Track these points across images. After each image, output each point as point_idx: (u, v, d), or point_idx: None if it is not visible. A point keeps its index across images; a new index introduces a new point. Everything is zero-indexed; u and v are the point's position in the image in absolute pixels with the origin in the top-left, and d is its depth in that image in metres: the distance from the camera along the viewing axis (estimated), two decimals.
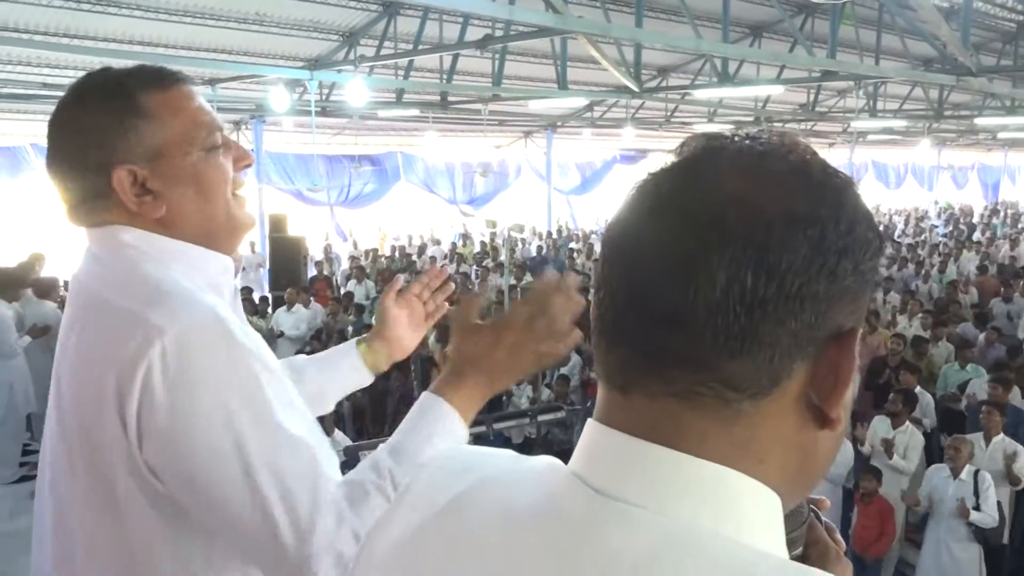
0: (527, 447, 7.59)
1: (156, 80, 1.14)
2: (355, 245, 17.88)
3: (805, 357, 0.54)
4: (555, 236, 19.61)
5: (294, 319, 9.43)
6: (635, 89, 9.64)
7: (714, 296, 0.52)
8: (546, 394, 7.30)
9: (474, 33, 9.91)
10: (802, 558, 0.74)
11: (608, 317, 0.57)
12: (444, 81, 11.63)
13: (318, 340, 8.93)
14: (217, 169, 1.15)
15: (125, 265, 1.11)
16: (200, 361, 1.00)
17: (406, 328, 1.55)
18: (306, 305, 9.67)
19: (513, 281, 10.47)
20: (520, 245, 18.27)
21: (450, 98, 12.98)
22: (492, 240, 16.99)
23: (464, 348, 1.17)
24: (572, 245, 18.38)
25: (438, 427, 1.13)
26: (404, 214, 20.49)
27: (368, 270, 14.03)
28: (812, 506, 0.77)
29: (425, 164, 20.22)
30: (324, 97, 13.35)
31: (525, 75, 13.03)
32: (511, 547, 0.56)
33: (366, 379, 1.52)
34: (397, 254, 16.10)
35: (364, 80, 9.54)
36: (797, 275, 0.52)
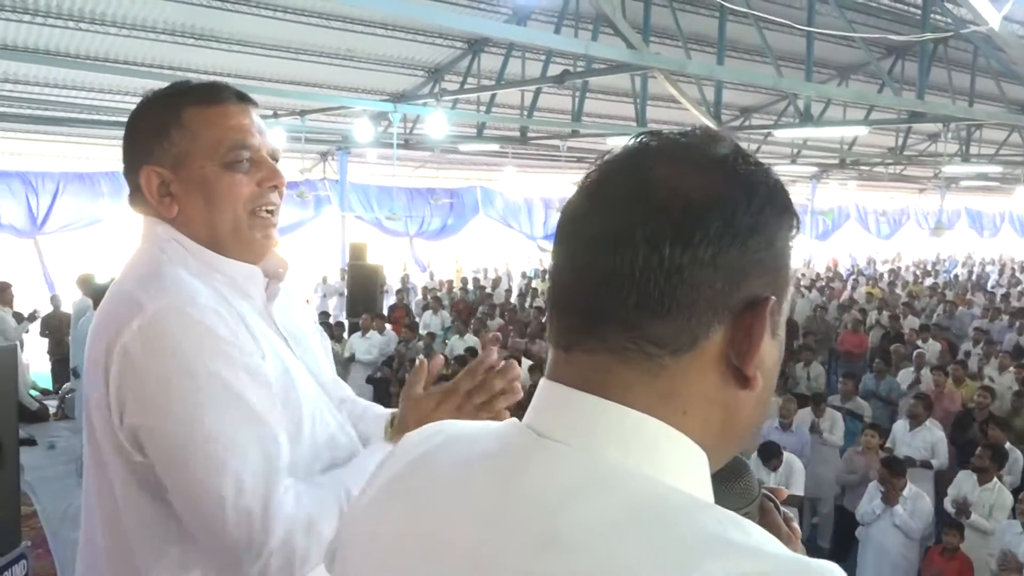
0: None
1: (205, 95, 1.25)
2: (431, 276, 18.14)
3: (723, 321, 0.62)
4: None
5: (367, 344, 9.62)
6: (714, 128, 9.55)
7: (638, 264, 0.60)
8: None
9: (555, 70, 10.04)
10: None
11: (556, 288, 0.66)
12: (524, 116, 11.78)
13: (389, 366, 9.08)
14: (229, 184, 1.23)
15: (148, 256, 1.23)
16: (172, 335, 1.10)
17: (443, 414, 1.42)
18: (380, 331, 9.85)
19: None
20: None
21: (529, 133, 13.13)
22: None
23: (410, 414, 1.30)
24: None
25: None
26: (481, 248, 20.72)
27: (444, 301, 14.20)
28: (769, 493, 0.83)
29: (504, 199, 20.45)
30: (408, 131, 13.68)
31: (604, 112, 13.10)
32: (464, 483, 0.65)
33: None
34: (471, 286, 16.23)
35: (446, 113, 9.76)
36: (709, 247, 0.61)
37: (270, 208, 1.27)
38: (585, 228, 0.64)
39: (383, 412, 1.47)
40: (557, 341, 0.66)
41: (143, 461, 1.13)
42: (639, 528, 0.55)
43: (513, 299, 14.87)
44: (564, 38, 6.13)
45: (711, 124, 9.37)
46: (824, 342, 12.12)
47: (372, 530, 0.70)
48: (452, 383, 1.30)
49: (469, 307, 13.67)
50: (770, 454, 6.05)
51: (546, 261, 19.36)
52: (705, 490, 0.63)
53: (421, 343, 9.84)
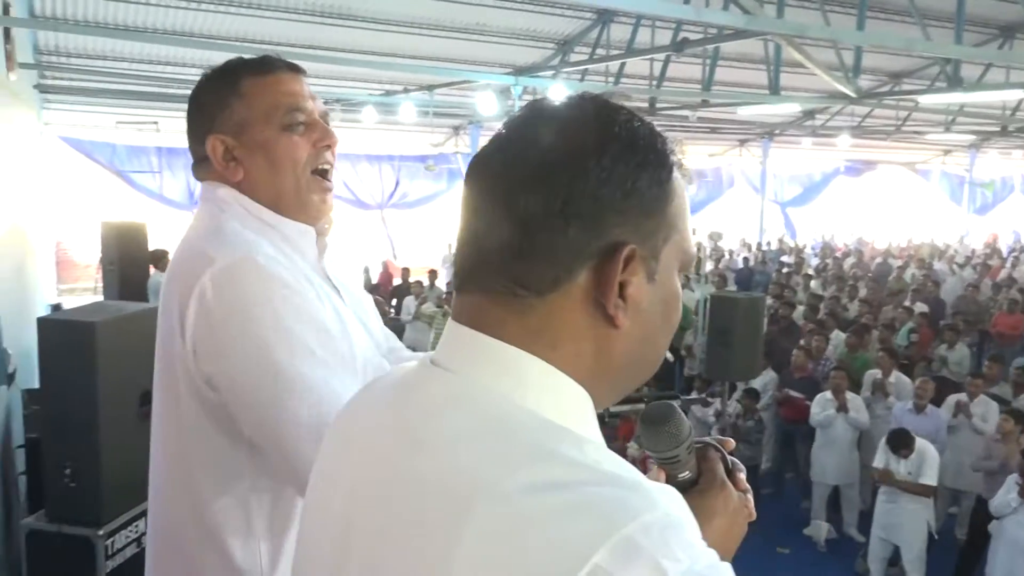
0: None
1: (259, 67, 1.36)
2: None
3: (585, 265, 0.69)
4: (765, 249, 18.83)
5: None
6: (851, 95, 9.03)
7: (507, 213, 0.69)
8: (733, 407, 7.06)
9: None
10: (693, 482, 0.86)
11: (456, 242, 0.75)
12: (652, 86, 11.56)
13: None
14: (288, 145, 1.33)
15: (208, 214, 1.34)
16: (240, 285, 1.21)
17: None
18: None
19: (713, 290, 10.20)
20: (728, 256, 17.73)
21: (658, 104, 12.86)
22: (699, 250, 16.61)
23: None
24: (784, 259, 17.56)
25: None
26: None
27: None
28: (715, 443, 0.89)
29: None
30: None
31: (736, 81, 12.64)
32: (378, 404, 0.79)
33: None
34: None
35: (572, 86, 9.71)
36: (558, 198, 0.68)
37: (325, 167, 1.37)
38: (470, 185, 0.74)
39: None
40: (457, 287, 0.76)
41: (216, 399, 1.24)
42: (485, 438, 0.66)
43: None
44: (671, 4, 5.96)
45: (847, 90, 8.87)
46: (974, 323, 11.32)
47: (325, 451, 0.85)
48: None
49: None
50: (901, 442, 5.75)
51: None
52: (575, 415, 0.70)
53: None
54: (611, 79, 12.04)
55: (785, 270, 15.23)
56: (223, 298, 1.21)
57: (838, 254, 19.11)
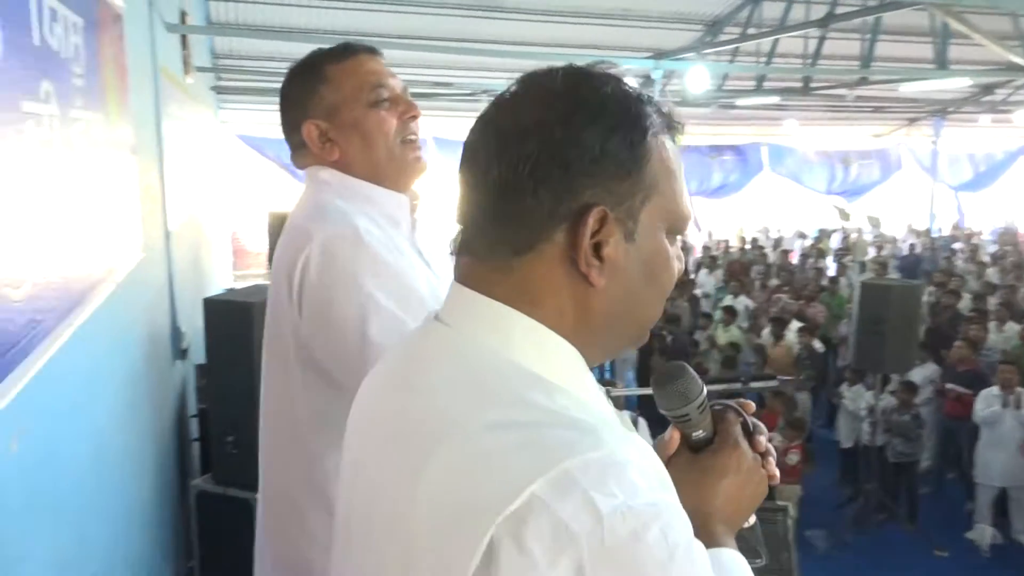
0: (854, 454, 7.02)
1: (339, 53, 1.47)
2: (710, 235, 17.75)
3: (559, 227, 0.73)
4: (935, 235, 17.56)
5: None
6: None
7: (484, 181, 0.75)
8: (886, 400, 6.68)
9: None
10: (709, 442, 0.89)
11: (456, 210, 0.81)
12: (806, 64, 11.04)
13: None
14: (377, 121, 1.45)
15: (310, 195, 1.47)
16: (339, 257, 1.33)
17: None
18: None
19: (871, 276, 9.67)
20: (892, 243, 16.69)
21: (812, 84, 12.25)
22: (859, 235, 15.76)
23: None
24: (955, 246, 16.32)
25: None
26: (770, 207, 19.81)
27: (720, 260, 13.89)
28: (735, 405, 0.91)
29: (794, 154, 19.35)
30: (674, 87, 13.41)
31: (900, 56, 11.82)
32: (391, 357, 0.88)
33: None
34: (749, 246, 15.65)
35: (722, 67, 9.43)
36: (526, 165, 0.72)
37: (412, 136, 1.48)
38: (461, 158, 0.80)
39: None
40: (457, 251, 0.82)
41: (316, 361, 1.37)
42: (464, 384, 0.73)
43: (795, 260, 14.09)
44: None
45: (1020, 61, 8.12)
46: None
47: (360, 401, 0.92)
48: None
49: (745, 267, 13.24)
50: None
51: (841, 220, 18.10)
52: (559, 367, 0.75)
53: (686, 301, 9.77)
54: (762, 59, 11.60)
55: (952, 257, 14.16)
56: (323, 268, 1.33)
57: (1021, 240, 17.53)
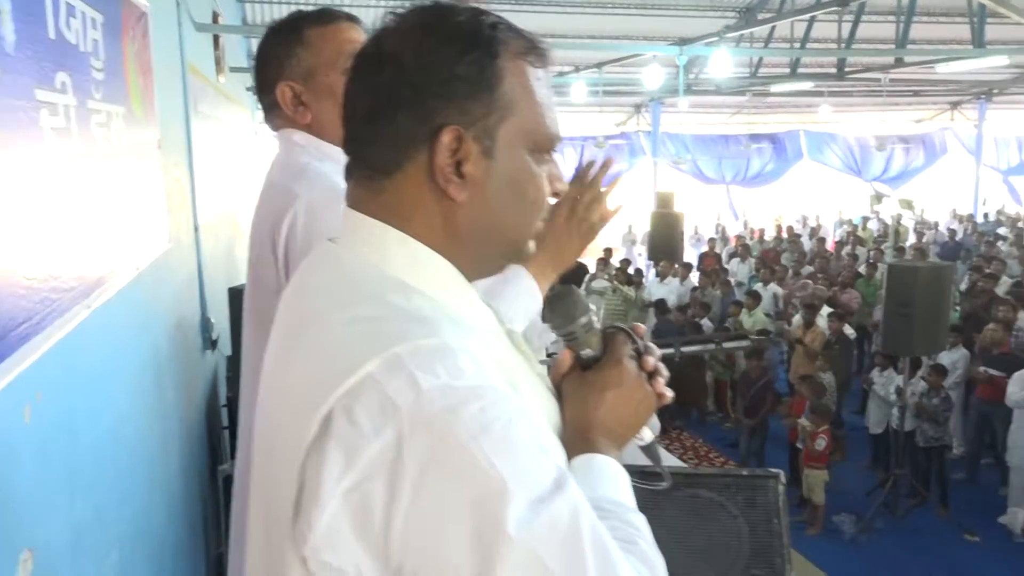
0: (885, 439, 6.96)
1: (320, 17, 1.50)
2: (745, 224, 17.60)
3: (419, 147, 0.80)
4: (979, 220, 17.17)
5: (665, 290, 9.76)
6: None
7: (354, 110, 0.83)
8: (916, 384, 6.61)
9: None
10: (597, 359, 0.95)
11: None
12: (840, 47, 10.88)
13: (682, 311, 9.13)
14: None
15: (289, 156, 1.50)
16: (323, 216, 1.37)
17: (567, 236, 1.37)
18: (680, 278, 9.92)
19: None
20: (934, 229, 16.38)
21: (846, 68, 12.06)
22: (898, 222, 15.47)
23: None
24: (1000, 231, 15.95)
25: (520, 287, 1.33)
26: (811, 194, 19.55)
27: (753, 249, 13.78)
28: (626, 327, 0.96)
29: (835, 141, 19.07)
30: (698, 75, 13.31)
31: (935, 37, 11.59)
32: (297, 271, 0.94)
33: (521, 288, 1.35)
34: (785, 234, 15.48)
35: (740, 52, 9.32)
36: (382, 90, 0.80)
37: None
38: (344, 90, 0.86)
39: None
40: (345, 175, 0.88)
41: None
42: (337, 290, 0.81)
43: (830, 246, 13.91)
44: None
45: None
46: None
47: None
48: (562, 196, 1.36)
49: (778, 255, 13.12)
50: None
51: (881, 208, 17.79)
52: (431, 278, 0.82)
53: (718, 290, 9.75)
54: (796, 44, 11.46)
55: (995, 242, 13.84)
56: (308, 229, 1.38)
57: None
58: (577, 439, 0.90)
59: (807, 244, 14.42)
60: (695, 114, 17.53)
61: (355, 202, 0.86)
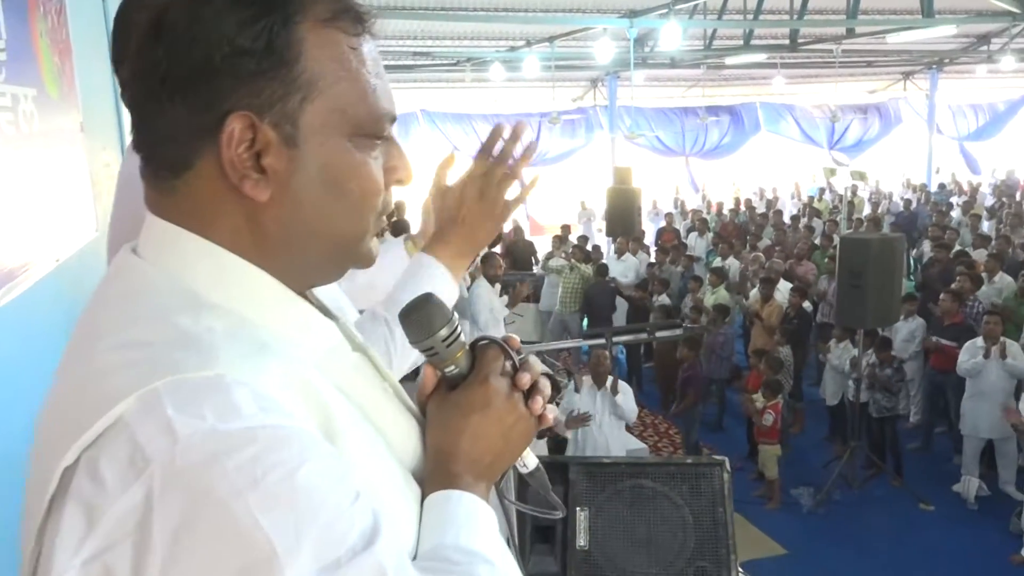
0: (841, 411, 7.05)
1: None
2: (703, 198, 17.68)
3: (206, 139, 0.66)
4: (933, 191, 17.46)
5: (623, 267, 9.75)
6: (1016, 11, 8.12)
7: (127, 97, 0.69)
8: (871, 356, 6.68)
9: None
10: (464, 378, 0.82)
11: None
12: (795, 18, 10.91)
13: (643, 288, 9.13)
14: None
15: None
16: None
17: (480, 218, 1.25)
18: (635, 254, 9.92)
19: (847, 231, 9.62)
20: (888, 199, 16.62)
21: (799, 39, 12.11)
22: (854, 193, 15.68)
23: (442, 211, 1.25)
24: (953, 199, 16.24)
25: (433, 281, 1.19)
26: (767, 167, 19.68)
27: (710, 223, 13.84)
28: (499, 340, 0.83)
29: (791, 112, 19.21)
30: (651, 48, 13.28)
31: (888, 7, 11.68)
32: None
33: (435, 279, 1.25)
34: (743, 207, 15.59)
35: (693, 24, 9.29)
36: (155, 74, 0.65)
37: None
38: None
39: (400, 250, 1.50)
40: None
41: None
42: (120, 307, 0.69)
43: (787, 219, 14.02)
44: None
45: (1011, 7, 8.00)
46: None
47: None
48: (470, 169, 1.25)
49: (737, 229, 13.19)
50: None
51: (833, 179, 17.98)
52: (238, 289, 0.70)
53: (677, 266, 9.76)
54: (749, 15, 11.46)
55: (948, 211, 14.09)
56: None
57: (1019, 193, 17.43)
58: (437, 472, 0.79)
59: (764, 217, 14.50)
60: (652, 87, 17.51)
61: (151, 204, 0.72)
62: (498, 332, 6.30)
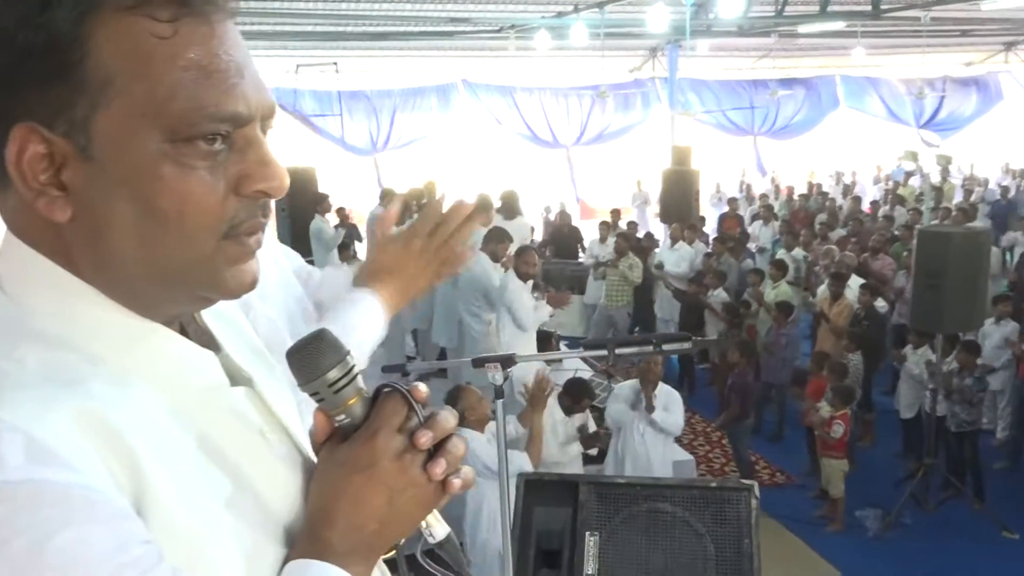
0: (917, 424, 6.86)
1: None
2: (772, 180, 17.36)
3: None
4: None
5: (676, 257, 9.60)
6: None
7: None
8: (952, 364, 6.49)
9: None
10: (356, 429, 0.77)
11: None
12: None
13: (698, 282, 8.99)
14: None
15: None
16: None
17: (415, 260, 1.39)
18: (690, 243, 9.77)
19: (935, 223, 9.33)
20: (984, 186, 16.13)
21: (883, 6, 11.78)
22: (944, 179, 15.29)
23: (380, 257, 1.38)
24: None
25: (366, 310, 1.33)
26: (848, 146, 19.25)
27: (780, 211, 13.61)
28: (405, 390, 0.78)
29: (875, 86, 18.75)
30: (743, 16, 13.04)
31: None
32: None
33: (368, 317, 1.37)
34: (814, 192, 15.28)
35: None
36: None
37: None
38: None
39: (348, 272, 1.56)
40: None
41: None
42: None
43: (866, 206, 13.71)
44: None
45: None
46: None
47: None
48: (411, 225, 1.41)
49: (808, 217, 12.93)
50: None
51: (918, 162, 17.48)
52: (72, 316, 0.68)
53: (741, 258, 9.61)
54: None
55: None
56: None
57: None
58: (307, 535, 0.75)
59: (839, 203, 14.20)
60: (717, 58, 17.25)
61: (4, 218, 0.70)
62: (530, 337, 6.07)
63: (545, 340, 6.33)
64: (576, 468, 5.04)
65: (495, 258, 6.47)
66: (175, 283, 0.70)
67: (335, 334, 0.79)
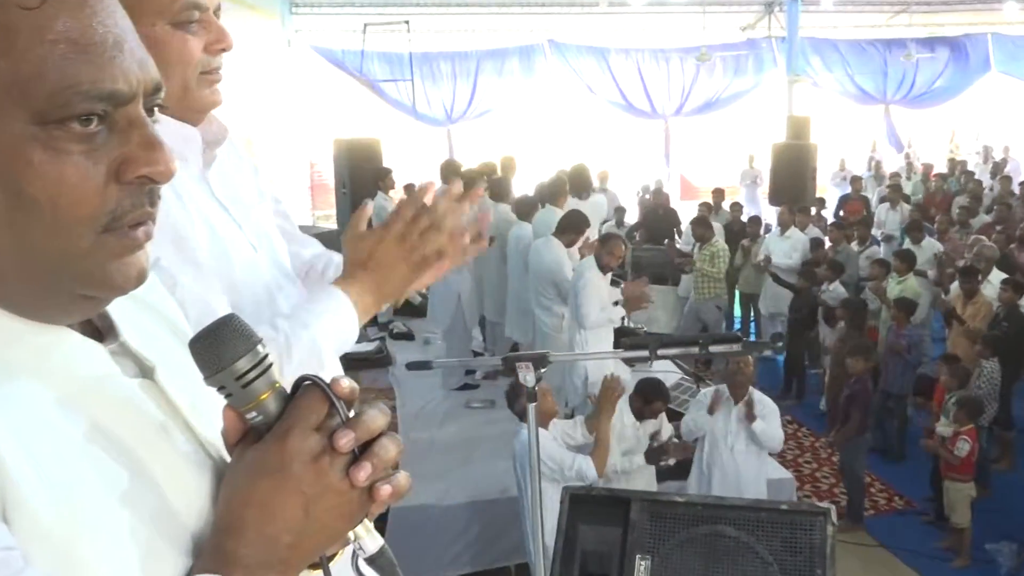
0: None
1: None
2: (906, 157, 16.87)
3: None
4: None
5: (786, 246, 9.40)
6: None
7: None
8: None
9: None
10: (269, 428, 0.77)
11: None
12: None
13: (808, 275, 8.78)
14: (181, 45, 1.38)
15: None
16: None
17: (395, 261, 1.45)
18: (803, 229, 9.58)
19: None
20: None
21: None
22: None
23: (353, 254, 1.43)
24: None
25: (331, 305, 1.40)
26: (998, 117, 18.60)
27: (914, 192, 13.23)
28: (325, 384, 0.77)
29: None
30: None
31: None
32: None
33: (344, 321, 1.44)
34: (956, 171, 14.78)
35: None
36: None
37: (214, 69, 1.44)
38: None
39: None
40: None
41: None
42: None
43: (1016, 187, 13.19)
44: None
45: None
46: None
47: None
48: (393, 212, 1.46)
49: (946, 199, 12.53)
50: None
51: None
52: None
53: (865, 246, 9.38)
54: None
55: None
56: None
57: None
58: (211, 547, 0.75)
59: (987, 184, 13.71)
60: (845, 14, 16.85)
61: None
62: (606, 334, 6.02)
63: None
64: (647, 481, 4.94)
65: (569, 244, 6.45)
66: (53, 280, 0.71)
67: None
